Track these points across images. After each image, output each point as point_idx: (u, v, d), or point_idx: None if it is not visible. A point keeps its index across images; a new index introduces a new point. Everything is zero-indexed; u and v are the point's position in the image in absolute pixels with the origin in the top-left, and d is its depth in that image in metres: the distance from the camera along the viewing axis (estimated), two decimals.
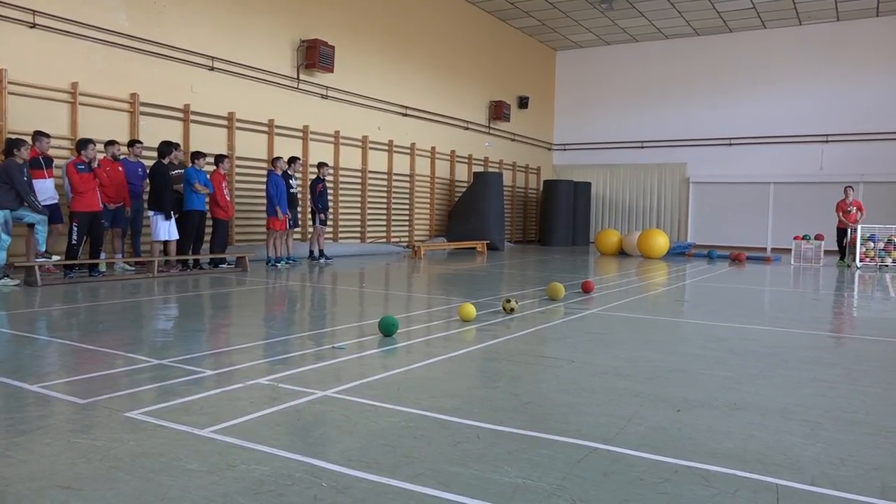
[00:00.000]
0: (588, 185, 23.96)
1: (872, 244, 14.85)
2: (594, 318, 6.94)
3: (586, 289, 8.93)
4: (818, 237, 16.02)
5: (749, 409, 3.69)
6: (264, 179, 12.73)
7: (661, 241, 16.92)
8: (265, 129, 13.97)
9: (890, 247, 14.82)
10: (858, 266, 14.64)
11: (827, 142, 21.44)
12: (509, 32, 22.57)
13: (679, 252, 18.21)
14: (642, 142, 24.26)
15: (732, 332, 6.25)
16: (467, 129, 20.63)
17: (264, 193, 12.45)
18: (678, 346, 5.55)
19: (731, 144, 22.87)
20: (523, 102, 23.15)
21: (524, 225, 24.17)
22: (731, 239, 22.45)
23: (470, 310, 6.43)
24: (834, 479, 2.72)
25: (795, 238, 16.42)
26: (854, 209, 15.42)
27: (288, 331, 6.05)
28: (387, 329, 5.52)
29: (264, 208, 12.43)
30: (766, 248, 21.79)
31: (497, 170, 21.94)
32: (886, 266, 14.57)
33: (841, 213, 15.69)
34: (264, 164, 13.77)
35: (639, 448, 3.03)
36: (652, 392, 4.01)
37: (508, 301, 7.03)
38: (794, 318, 7.34)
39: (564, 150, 25.79)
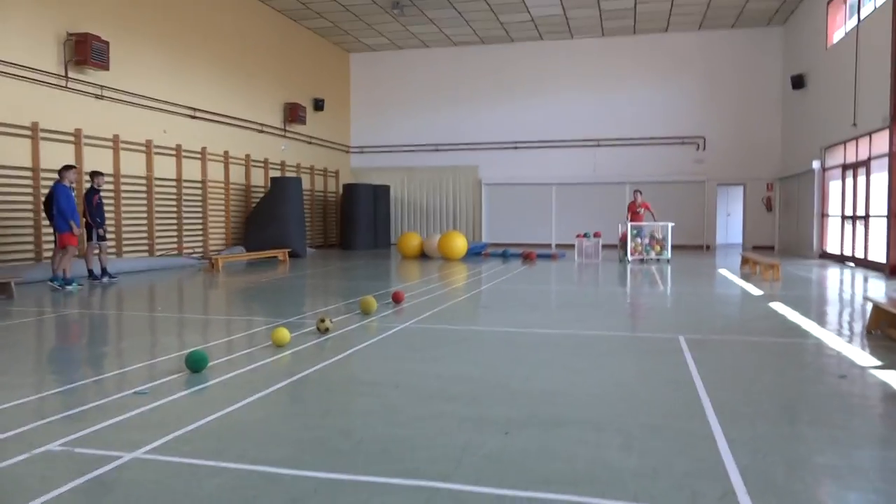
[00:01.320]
0: (387, 187, 24.25)
1: (640, 239, 16.74)
2: (409, 332, 6.98)
3: (397, 299, 8.99)
4: (597, 234, 17.67)
5: (569, 424, 3.90)
6: (27, 191, 11.20)
7: (460, 243, 17.58)
8: (28, 133, 12.29)
9: (653, 241, 16.81)
10: (629, 260, 16.39)
11: (598, 146, 23.71)
12: (302, 33, 22.09)
13: (476, 253, 19.07)
14: (437, 145, 25.05)
15: (538, 339, 6.62)
16: (262, 131, 19.86)
17: (35, 206, 10.97)
18: (493, 359, 5.76)
19: (517, 148, 24.42)
20: (319, 104, 22.79)
21: (325, 229, 23.85)
22: (522, 237, 24.01)
23: (283, 335, 6.15)
24: (652, 492, 2.95)
25: (578, 236, 17.95)
26: (643, 210, 17.08)
27: (75, 375, 5.34)
28: (196, 365, 5.08)
29: (32, 223, 10.95)
30: (551, 245, 23.59)
31: (295, 174, 21.40)
32: (652, 259, 16.50)
33: (630, 215, 17.21)
34: (28, 173, 12.12)
35: (478, 482, 3.06)
36: (479, 415, 4.10)
37: (323, 320, 6.84)
38: (586, 318, 7.98)
39: (362, 152, 25.85)
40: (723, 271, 14.24)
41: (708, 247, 22.94)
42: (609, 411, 4.19)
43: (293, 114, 21.06)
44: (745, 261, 14.70)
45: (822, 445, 3.57)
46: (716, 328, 7.28)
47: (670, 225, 16.86)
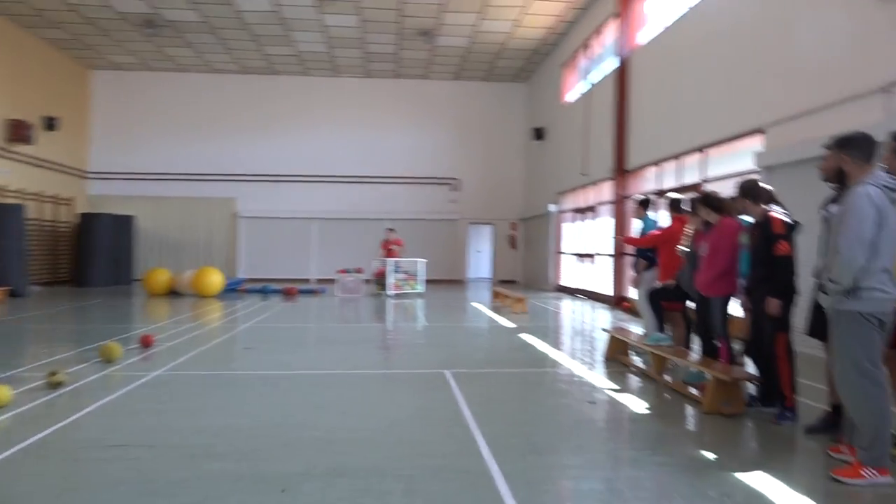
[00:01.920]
0: (131, 218, 22.10)
1: (402, 275, 17.23)
2: (162, 381, 6.29)
3: (145, 343, 8.10)
4: (358, 270, 17.78)
5: (349, 473, 3.74)
6: None
7: (215, 280, 16.54)
8: None
9: (410, 277, 17.42)
10: (390, 294, 16.72)
11: (360, 183, 24.05)
12: (33, 43, 19.46)
13: (232, 289, 18.08)
14: (190, 174, 23.50)
15: (308, 381, 6.36)
16: None
17: None
18: (261, 406, 5.39)
19: (277, 181, 23.84)
20: (51, 124, 20.15)
21: (54, 264, 20.92)
22: (281, 272, 23.32)
23: (2, 393, 5.17)
24: None
25: (339, 271, 17.90)
26: (395, 247, 17.46)
27: None
28: None
29: None
30: (310, 280, 23.24)
31: (17, 201, 18.57)
32: (407, 293, 17.01)
33: (385, 252, 17.50)
34: None
35: None
36: (251, 472, 3.76)
37: (54, 373, 5.89)
38: (354, 356, 7.88)
39: (103, 178, 23.31)
40: (477, 305, 15.11)
41: (461, 281, 24.31)
42: (388, 455, 4.10)
43: (17, 132, 18.34)
44: (496, 295, 15.77)
45: (586, 471, 3.83)
46: (478, 361, 7.62)
47: (421, 262, 17.63)
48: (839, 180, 3.93)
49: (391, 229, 18.01)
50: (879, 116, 7.02)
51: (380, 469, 3.82)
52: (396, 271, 17.07)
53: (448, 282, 23.95)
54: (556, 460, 4.05)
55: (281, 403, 5.48)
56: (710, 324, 5.88)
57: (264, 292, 17.66)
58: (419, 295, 17.12)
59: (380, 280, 17.18)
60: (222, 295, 16.87)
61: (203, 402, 5.49)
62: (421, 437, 4.56)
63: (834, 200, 4.38)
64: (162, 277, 17.10)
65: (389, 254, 17.23)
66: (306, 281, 23.03)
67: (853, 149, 3.82)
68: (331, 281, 19.85)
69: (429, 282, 22.72)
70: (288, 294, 17.19)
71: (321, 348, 8.83)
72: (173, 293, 17.00)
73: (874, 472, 3.60)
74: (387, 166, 24.06)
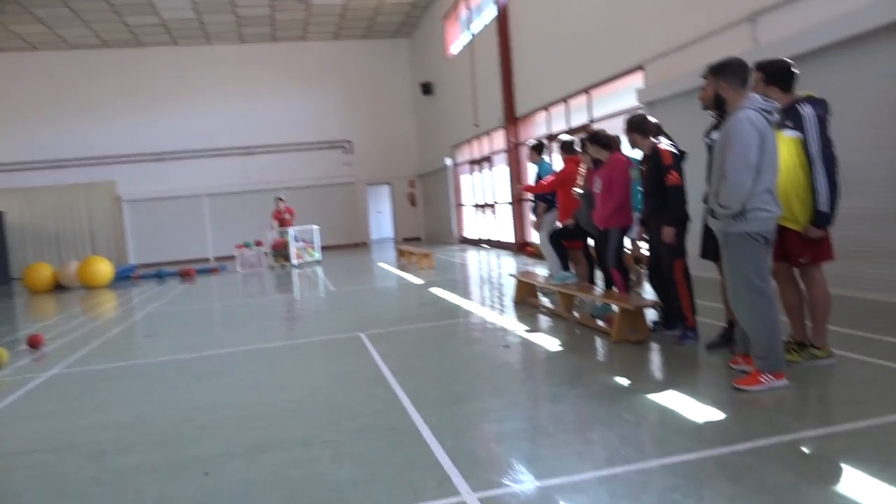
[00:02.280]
0: (0, 213, 20.39)
1: (301, 244, 16.83)
2: (59, 380, 5.90)
3: (34, 344, 7.56)
4: (258, 243, 17.25)
5: (272, 448, 3.64)
6: None
7: (103, 269, 15.61)
8: None
9: (308, 244, 17.09)
10: (295, 265, 16.35)
11: (249, 154, 23.17)
12: None
13: (125, 277, 17.14)
14: (60, 161, 21.87)
15: (217, 361, 6.15)
16: None
17: None
18: (170, 393, 5.16)
19: (161, 160, 22.60)
20: None
21: None
22: (176, 254, 22.30)
23: None
24: (375, 497, 2.89)
25: (238, 246, 17.30)
26: (288, 215, 16.98)
27: None
28: None
29: None
30: (209, 259, 22.39)
31: None
32: (306, 262, 16.70)
33: (277, 221, 16.99)
34: None
35: None
36: (168, 459, 3.60)
37: None
38: (264, 330, 7.67)
39: None
40: (383, 265, 15.05)
41: (364, 243, 24.12)
42: (311, 423, 4.03)
43: None
44: (401, 253, 15.75)
45: (508, 413, 3.91)
46: (390, 320, 7.60)
47: (315, 228, 17.33)
48: (718, 107, 4.08)
49: (280, 199, 17.55)
50: (748, 45, 7.39)
51: (304, 439, 3.75)
52: (296, 239, 16.68)
53: (351, 245, 23.71)
54: (478, 406, 4.11)
55: (192, 388, 5.27)
56: (604, 256, 6.09)
57: (159, 276, 16.86)
58: (317, 262, 16.88)
59: (278, 252, 16.74)
60: (114, 284, 15.98)
61: (106, 397, 5.19)
62: (343, 401, 4.51)
63: (715, 127, 4.58)
64: (44, 272, 15.96)
65: (283, 223, 16.79)
66: (205, 260, 22.16)
67: (728, 75, 3.96)
68: (230, 258, 19.20)
69: (332, 247, 22.48)
70: (185, 275, 16.49)
71: (228, 327, 8.54)
72: (59, 288, 15.93)
73: (771, 377, 3.87)
74: (274, 134, 23.28)
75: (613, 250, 5.99)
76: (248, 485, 3.16)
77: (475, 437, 3.53)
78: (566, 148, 7.54)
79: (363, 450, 3.48)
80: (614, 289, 6.08)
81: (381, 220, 26.01)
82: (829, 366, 4.21)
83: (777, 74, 4.23)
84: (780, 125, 4.16)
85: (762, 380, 3.86)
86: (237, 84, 23.00)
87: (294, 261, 16.37)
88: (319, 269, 15.27)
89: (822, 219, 4.10)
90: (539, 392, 4.37)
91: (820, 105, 4.14)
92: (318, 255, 17.14)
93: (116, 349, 7.34)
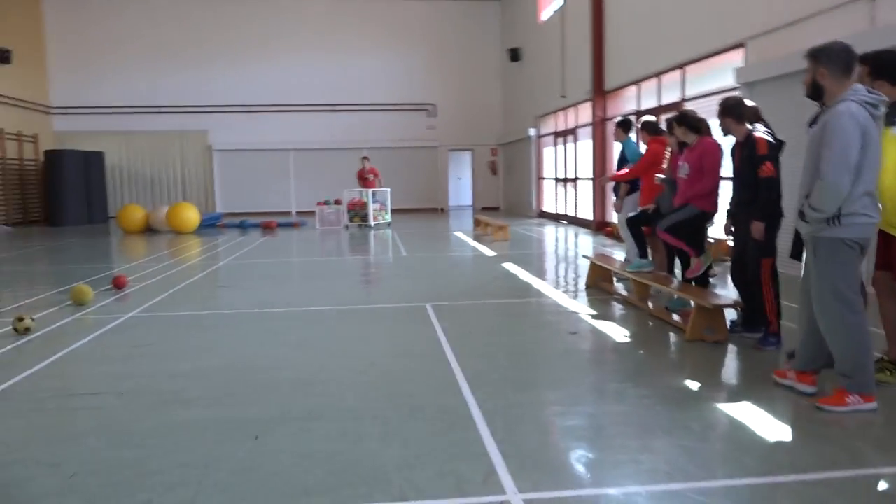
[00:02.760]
0: (101, 154, 21.44)
1: (377, 205, 16.90)
2: (135, 323, 6.13)
3: (118, 285, 7.90)
4: (337, 201, 17.47)
5: (325, 417, 3.63)
6: None
7: (191, 215, 16.21)
8: None
9: (382, 206, 17.11)
10: (371, 226, 16.47)
11: (335, 111, 23.41)
12: None
13: (210, 224, 17.76)
14: (159, 107, 22.73)
15: (285, 318, 6.24)
16: None
17: None
18: (236, 347, 5.26)
19: (250, 112, 23.14)
20: (3, 56, 19.20)
21: (24, 204, 20.39)
22: (259, 206, 22.93)
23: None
24: (417, 485, 2.82)
25: (318, 203, 17.59)
26: (371, 176, 16.91)
27: None
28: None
29: None
30: (291, 213, 22.92)
31: None
32: (378, 224, 16.76)
33: (361, 181, 17.02)
34: None
35: None
36: (223, 418, 3.64)
37: (21, 319, 5.70)
38: (334, 291, 7.74)
39: (67, 114, 22.48)
40: (458, 234, 14.97)
41: (442, 209, 24.10)
42: (367, 395, 4.00)
43: None
44: (477, 223, 15.61)
45: (567, 407, 3.76)
46: (459, 293, 7.51)
47: (388, 190, 17.29)
48: (816, 96, 3.67)
49: (366, 157, 17.51)
50: (865, 26, 6.76)
51: (357, 411, 3.72)
52: (374, 201, 16.80)
53: (429, 210, 23.75)
54: (536, 396, 3.97)
55: (257, 344, 5.36)
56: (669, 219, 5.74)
57: (242, 227, 17.39)
58: (388, 224, 16.96)
59: (355, 211, 16.85)
60: (199, 231, 16.58)
61: (176, 346, 5.35)
62: (400, 374, 4.46)
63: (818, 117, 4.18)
64: (136, 214, 16.74)
65: (366, 184, 16.84)
66: (286, 213, 22.71)
67: (830, 61, 3.53)
68: (311, 213, 19.57)
69: (410, 211, 22.61)
70: (266, 228, 16.94)
71: (300, 284, 8.68)
72: (149, 230, 16.68)
73: (858, 398, 3.55)
74: (360, 93, 23.38)
75: (678, 216, 5.62)
76: (295, 455, 3.15)
77: (529, 431, 3.40)
78: (650, 128, 7.16)
79: (413, 430, 3.42)
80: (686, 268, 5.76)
81: (461, 187, 25.87)
82: None
83: (886, 67, 3.80)
84: (889, 121, 3.75)
85: (848, 401, 3.55)
86: (327, 40, 23.17)
87: (371, 222, 16.50)
88: (393, 232, 15.33)
89: None
90: (602, 387, 4.19)
91: None
92: (388, 218, 17.24)
93: (192, 297, 7.58)
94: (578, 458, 3.08)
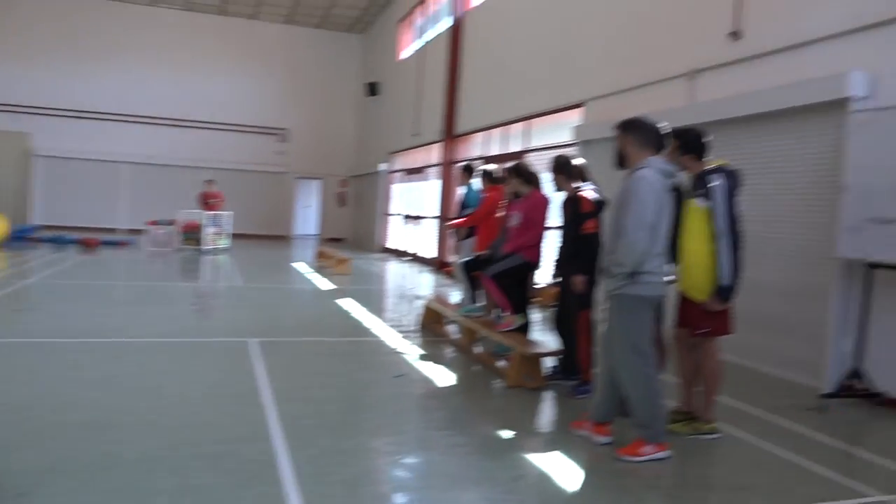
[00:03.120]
0: None
1: (215, 229, 15.91)
2: None
3: None
4: (171, 222, 16.43)
5: (114, 468, 3.26)
6: None
7: None
8: None
9: (220, 231, 16.09)
10: (205, 249, 15.39)
11: (178, 126, 22.17)
12: None
13: (20, 237, 16.01)
14: None
15: (91, 349, 5.65)
16: None
17: None
18: (22, 382, 4.66)
19: (81, 118, 21.34)
20: None
21: None
22: (85, 220, 20.99)
23: None
24: None
25: (149, 223, 16.45)
26: (214, 200, 15.99)
27: None
28: None
29: None
30: (118, 230, 21.25)
31: None
32: (215, 249, 15.64)
33: (203, 204, 15.99)
34: None
35: None
36: None
37: None
38: (152, 320, 7.17)
39: None
40: (299, 265, 14.57)
41: (286, 237, 23.46)
42: (168, 442, 3.66)
43: None
44: (319, 254, 15.30)
45: (381, 456, 3.67)
46: (289, 329, 7.24)
47: (229, 214, 16.44)
48: (620, 163, 3.98)
49: (210, 181, 16.68)
50: (685, 100, 7.45)
51: (153, 461, 3.38)
52: (212, 225, 15.96)
53: (273, 237, 23.02)
54: (351, 444, 3.84)
55: (50, 379, 4.79)
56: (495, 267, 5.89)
57: (58, 242, 15.84)
58: (226, 250, 16.02)
59: (189, 234, 15.83)
60: (8, 244, 14.87)
61: None
62: (210, 418, 4.15)
63: None
64: None
65: (208, 207, 16.02)
66: (112, 231, 21.02)
67: (636, 132, 3.88)
68: (142, 232, 18.26)
69: (253, 236, 21.78)
70: (87, 245, 15.54)
71: (116, 311, 7.96)
72: None
73: (654, 447, 3.77)
74: (209, 110, 22.35)
75: (504, 265, 5.79)
76: None
77: (338, 483, 3.26)
78: (489, 177, 7.39)
79: (210, 483, 3.16)
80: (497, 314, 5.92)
81: (308, 216, 25.37)
82: (713, 440, 4.16)
83: (691, 143, 4.22)
84: (692, 194, 4.13)
85: (644, 451, 3.75)
86: (177, 52, 22.00)
87: (205, 246, 15.58)
88: (231, 259, 14.61)
89: (723, 292, 4.06)
90: (419, 435, 4.14)
91: (731, 176, 4.12)
92: (226, 243, 16.34)
93: None
94: None
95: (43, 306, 7.73)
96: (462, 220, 7.54)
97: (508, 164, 6.43)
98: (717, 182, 4.04)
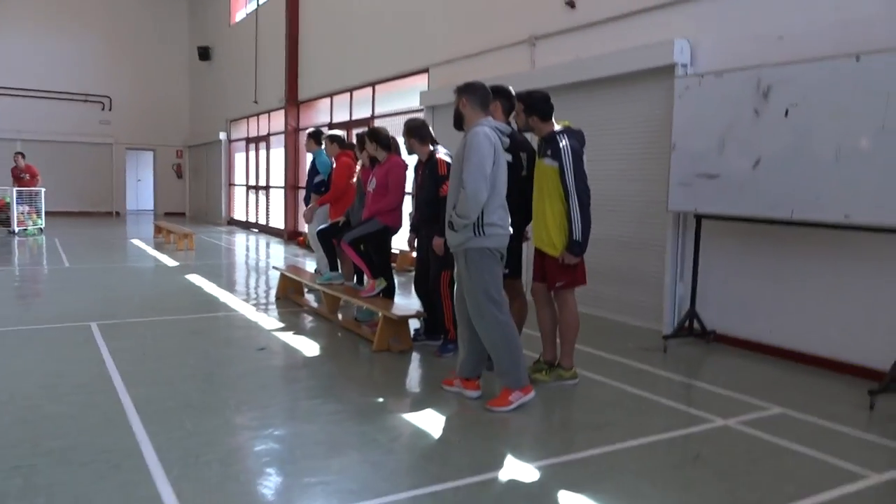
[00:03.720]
0: None
1: (23, 208, 14.03)
2: None
3: None
4: None
5: None
6: None
7: None
8: None
9: (33, 209, 14.28)
10: (15, 231, 13.69)
11: None
12: None
13: None
14: None
15: None
16: None
17: None
18: None
19: None
20: None
21: None
22: None
23: None
24: None
25: None
26: (27, 176, 14.39)
27: None
28: None
29: None
30: None
31: None
32: (27, 230, 14.02)
33: (15, 180, 14.36)
34: None
35: None
36: None
37: None
38: None
39: None
40: (136, 242, 13.57)
41: (118, 213, 21.73)
42: (5, 440, 3.29)
43: None
44: (158, 230, 14.33)
45: (253, 432, 3.53)
46: (133, 309, 6.73)
47: (41, 191, 14.43)
48: (458, 124, 4.13)
49: (20, 153, 14.90)
50: (526, 66, 7.70)
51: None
52: (19, 202, 13.98)
53: (103, 214, 21.23)
54: (220, 422, 3.66)
55: None
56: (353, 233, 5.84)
57: None
58: (39, 230, 14.17)
59: None
60: None
61: None
62: (51, 411, 3.77)
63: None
64: None
65: (20, 183, 14.30)
66: None
67: (471, 94, 4.02)
68: None
69: (78, 214, 19.99)
70: None
71: None
72: None
73: (519, 393, 3.93)
74: (18, 75, 19.97)
75: (363, 230, 5.74)
76: None
77: (209, 463, 3.09)
78: (339, 142, 7.25)
79: (65, 479, 2.88)
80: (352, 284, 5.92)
81: (141, 190, 23.59)
82: (573, 385, 4.42)
83: (536, 105, 4.40)
84: (541, 154, 4.31)
85: (511, 399, 3.91)
86: None
87: (14, 227, 13.75)
88: (51, 240, 13.28)
89: (575, 247, 4.26)
90: (292, 406, 4.04)
91: (576, 136, 4.33)
92: (40, 223, 14.38)
93: None
94: (264, 488, 2.88)
95: None
96: (327, 197, 7.31)
97: (362, 130, 6.34)
98: (563, 142, 4.22)
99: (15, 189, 13.99)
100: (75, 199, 20.48)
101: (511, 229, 4.07)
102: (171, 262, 10.42)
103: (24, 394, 4.05)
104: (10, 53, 19.84)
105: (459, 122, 4.09)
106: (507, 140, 4.07)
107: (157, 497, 2.74)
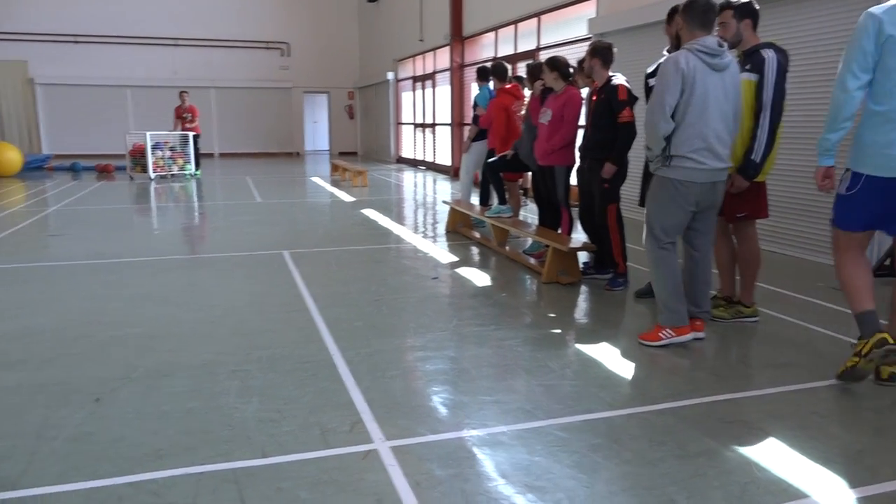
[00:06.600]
0: None
1: (160, 153, 14.01)
2: None
3: None
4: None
5: (176, 373, 3.39)
6: None
7: (12, 157, 14.52)
8: None
9: (176, 154, 14.19)
10: (151, 177, 13.73)
11: (178, 45, 21.66)
12: None
13: (36, 167, 16.03)
14: None
15: (128, 269, 5.75)
16: None
17: None
18: (69, 302, 4.78)
19: (78, 42, 20.86)
20: None
21: None
22: (94, 147, 20.91)
23: None
24: (280, 440, 2.69)
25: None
26: (189, 115, 14.35)
27: None
28: None
29: None
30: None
31: None
32: (173, 175, 14.13)
33: (178, 120, 14.46)
34: None
35: (61, 479, 2.39)
36: (57, 379, 3.30)
37: None
38: (185, 239, 7.25)
39: None
40: (315, 179, 14.54)
41: (298, 154, 23.30)
42: (222, 349, 3.78)
43: None
44: (335, 168, 15.23)
45: (430, 352, 3.76)
46: (317, 240, 7.29)
47: (191, 135, 14.25)
48: (677, 46, 3.89)
49: (185, 92, 14.78)
50: None
51: (212, 365, 3.50)
52: (158, 148, 13.93)
53: (285, 154, 22.88)
54: (399, 342, 3.94)
55: (96, 298, 4.89)
56: (552, 193, 5.86)
57: (74, 170, 15.85)
58: (192, 176, 14.27)
59: (136, 159, 14.11)
60: (23, 174, 14.92)
61: (0, 301, 4.77)
62: (258, 325, 4.25)
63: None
64: None
65: (183, 123, 14.29)
66: (124, 157, 20.90)
67: (687, 13, 3.71)
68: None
69: (264, 155, 21.67)
70: (102, 171, 15.55)
71: (144, 232, 8.04)
72: None
73: (670, 332, 3.80)
74: (206, 27, 21.78)
75: (562, 189, 5.75)
76: (142, 415, 2.91)
77: (393, 378, 3.36)
78: (500, 75, 7.20)
79: (273, 383, 3.27)
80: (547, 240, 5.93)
81: (318, 131, 25.10)
82: (754, 323, 4.23)
83: (745, 7, 3.98)
84: (741, 68, 3.96)
85: (661, 335, 3.81)
86: None
87: (150, 172, 13.66)
88: (246, 178, 14.57)
89: (751, 168, 3.92)
90: (464, 331, 4.24)
91: (782, 53, 3.96)
92: (191, 169, 14.19)
93: (19, 247, 6.79)
94: (443, 402, 3.09)
95: (74, 231, 7.80)
96: (476, 132, 7.45)
97: (531, 62, 6.26)
98: (769, 54, 3.87)
99: (148, 134, 13.88)
100: (261, 142, 22.22)
101: (710, 164, 3.67)
102: (347, 197, 11.08)
103: (235, 309, 4.59)
104: (203, 6, 21.57)
105: (678, 45, 3.93)
106: (717, 61, 3.62)
107: (351, 403, 3.03)
